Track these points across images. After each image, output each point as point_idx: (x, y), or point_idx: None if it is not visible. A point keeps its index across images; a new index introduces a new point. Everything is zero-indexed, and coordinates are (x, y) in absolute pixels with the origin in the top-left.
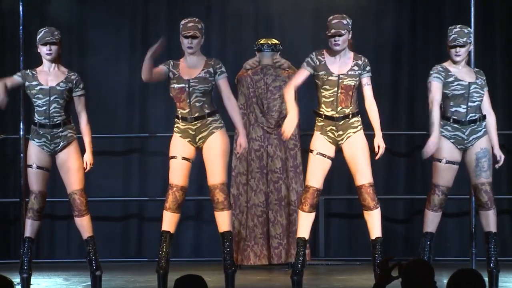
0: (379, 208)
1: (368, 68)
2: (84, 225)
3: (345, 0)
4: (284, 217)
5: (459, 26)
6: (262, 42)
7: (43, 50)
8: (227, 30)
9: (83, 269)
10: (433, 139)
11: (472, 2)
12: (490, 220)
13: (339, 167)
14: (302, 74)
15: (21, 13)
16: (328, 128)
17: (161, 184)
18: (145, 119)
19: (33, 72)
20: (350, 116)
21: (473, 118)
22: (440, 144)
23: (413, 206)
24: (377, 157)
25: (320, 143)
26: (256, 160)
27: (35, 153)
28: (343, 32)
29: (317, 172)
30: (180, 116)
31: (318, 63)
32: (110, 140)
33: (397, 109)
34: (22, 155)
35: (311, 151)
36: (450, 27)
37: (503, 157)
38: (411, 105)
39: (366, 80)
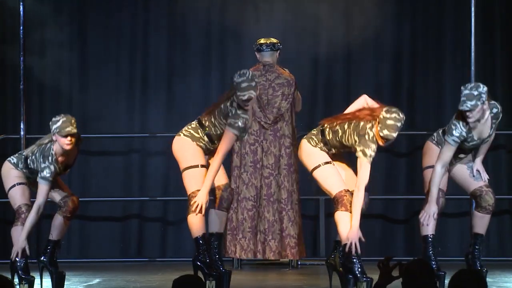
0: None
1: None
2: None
3: (346, 1)
4: (271, 213)
5: (470, 87)
6: (261, 42)
7: (62, 140)
8: (227, 32)
9: (83, 269)
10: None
11: (472, 2)
12: (485, 223)
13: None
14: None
15: (21, 13)
16: None
17: (161, 184)
18: (145, 119)
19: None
20: None
21: None
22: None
23: (413, 206)
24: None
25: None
26: (250, 154)
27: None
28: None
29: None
30: None
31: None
32: (110, 140)
33: None
34: None
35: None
36: (462, 87)
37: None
38: (411, 105)
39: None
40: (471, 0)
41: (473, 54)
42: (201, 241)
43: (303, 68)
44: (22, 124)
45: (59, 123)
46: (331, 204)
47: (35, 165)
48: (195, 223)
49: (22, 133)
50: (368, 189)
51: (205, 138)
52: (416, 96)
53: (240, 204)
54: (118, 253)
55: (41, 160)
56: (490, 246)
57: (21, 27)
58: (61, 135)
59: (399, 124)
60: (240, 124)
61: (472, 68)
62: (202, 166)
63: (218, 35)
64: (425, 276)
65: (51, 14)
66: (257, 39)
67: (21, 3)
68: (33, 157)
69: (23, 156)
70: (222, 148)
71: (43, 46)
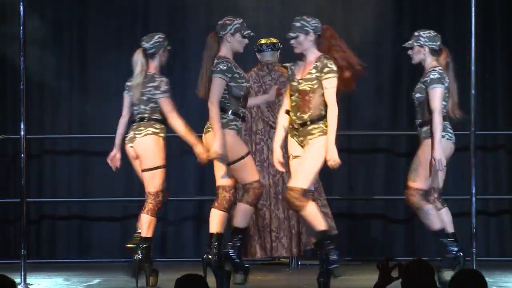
0: (304, 208)
1: (327, 69)
2: None
3: (346, 1)
4: (281, 211)
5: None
6: (262, 42)
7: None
8: None
9: (84, 269)
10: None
11: (472, 2)
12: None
13: (339, 167)
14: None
15: (21, 12)
16: (294, 132)
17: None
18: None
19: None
20: (309, 123)
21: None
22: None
23: None
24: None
25: (293, 147)
26: (256, 154)
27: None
28: (293, 35)
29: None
30: (241, 115)
31: (291, 69)
32: (110, 140)
33: (397, 109)
34: (22, 155)
35: (288, 156)
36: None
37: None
38: (411, 105)
39: (325, 83)
40: (471, 0)
41: (473, 54)
42: (215, 239)
43: None
44: (22, 124)
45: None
46: (331, 204)
47: None
48: (221, 220)
49: (22, 133)
50: (367, 189)
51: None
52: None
53: None
54: (118, 253)
55: None
56: (490, 246)
57: (21, 27)
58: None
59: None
60: (221, 67)
61: (472, 68)
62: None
63: None
64: (425, 276)
65: (51, 14)
66: (257, 39)
67: (21, 3)
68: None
69: None
70: (213, 95)
71: (43, 46)
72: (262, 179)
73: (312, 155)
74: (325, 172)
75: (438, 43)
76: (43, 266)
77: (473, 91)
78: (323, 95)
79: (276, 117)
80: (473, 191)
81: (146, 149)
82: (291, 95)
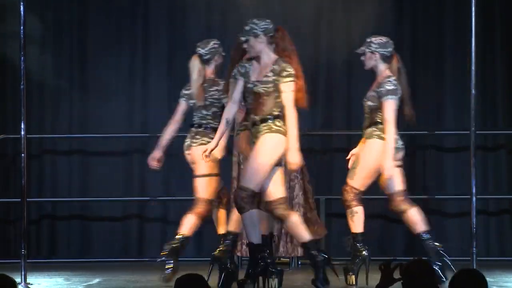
0: (246, 212)
1: (285, 73)
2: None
3: (346, 1)
4: None
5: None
6: None
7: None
8: (228, 32)
9: (84, 269)
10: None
11: (473, 2)
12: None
13: (339, 167)
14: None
15: (21, 12)
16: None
17: (161, 184)
18: (145, 119)
19: None
20: (259, 123)
21: None
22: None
23: None
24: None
25: (250, 148)
26: None
27: None
28: (243, 39)
29: None
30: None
31: (245, 66)
32: (111, 140)
33: (397, 109)
34: (22, 155)
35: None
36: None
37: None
38: (411, 105)
39: (283, 87)
40: (471, 0)
41: (473, 54)
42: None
43: (303, 68)
44: (22, 124)
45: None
46: (331, 204)
47: None
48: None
49: (22, 133)
50: (367, 189)
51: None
52: (416, 96)
53: None
54: (118, 253)
55: None
56: (490, 246)
57: (21, 27)
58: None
59: None
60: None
61: (472, 68)
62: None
63: (219, 35)
64: (425, 277)
65: (51, 14)
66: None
67: (21, 3)
68: None
69: None
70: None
71: (43, 46)
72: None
73: (256, 154)
74: (325, 172)
75: (389, 49)
76: (43, 266)
77: (473, 91)
78: (277, 97)
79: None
80: (473, 190)
81: (200, 158)
82: (245, 96)
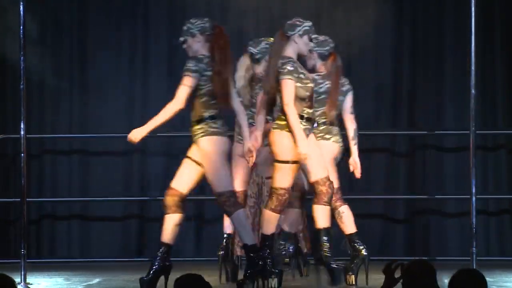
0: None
1: (185, 67)
2: None
3: (346, 1)
4: None
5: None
6: None
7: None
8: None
9: (84, 269)
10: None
11: (473, 2)
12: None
13: (339, 167)
14: None
15: (21, 12)
16: None
17: (161, 184)
18: (145, 119)
19: None
20: (192, 124)
21: None
22: None
23: (413, 206)
24: None
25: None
26: None
27: None
28: (181, 39)
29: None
30: (305, 116)
31: None
32: (111, 140)
33: (397, 109)
34: (22, 155)
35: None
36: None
37: None
38: (411, 105)
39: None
40: (471, 0)
41: (473, 54)
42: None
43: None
44: (22, 124)
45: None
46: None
47: None
48: (327, 214)
49: (22, 133)
50: (368, 188)
51: None
52: (416, 96)
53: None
54: (118, 253)
55: None
56: (490, 246)
57: (21, 27)
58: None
59: None
60: (288, 67)
61: (472, 67)
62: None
63: None
64: (425, 276)
65: (51, 14)
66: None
67: (21, 3)
68: None
69: None
70: (287, 98)
71: (43, 46)
72: (256, 176)
73: (207, 161)
74: None
75: (327, 48)
76: (43, 266)
77: (473, 91)
78: (201, 97)
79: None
80: (473, 190)
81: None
82: None
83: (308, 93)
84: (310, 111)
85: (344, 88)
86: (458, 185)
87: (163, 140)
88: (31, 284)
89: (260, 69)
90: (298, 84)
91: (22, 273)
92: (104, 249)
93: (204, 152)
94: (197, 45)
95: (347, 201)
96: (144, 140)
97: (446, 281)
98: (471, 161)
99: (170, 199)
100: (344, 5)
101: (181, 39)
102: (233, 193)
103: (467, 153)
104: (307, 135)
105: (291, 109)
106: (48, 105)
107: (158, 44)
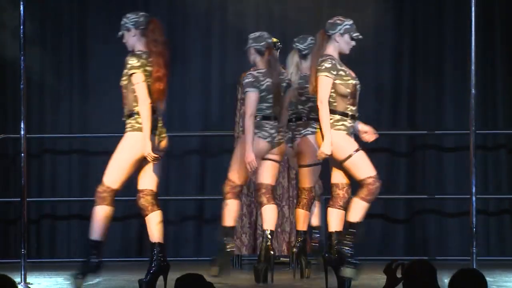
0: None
1: (128, 65)
2: None
3: (346, 1)
4: None
5: None
6: None
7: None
8: (228, 31)
9: None
10: None
11: (473, 2)
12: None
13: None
14: None
15: (21, 12)
16: None
17: (161, 184)
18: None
19: None
20: (125, 118)
21: None
22: None
23: (413, 206)
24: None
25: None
26: None
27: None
28: (120, 34)
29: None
30: (349, 114)
31: None
32: (111, 140)
33: (397, 109)
34: (22, 155)
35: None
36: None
37: None
38: (411, 105)
39: (132, 80)
40: (471, 0)
41: (473, 54)
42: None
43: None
44: (22, 124)
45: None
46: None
47: None
48: (341, 218)
49: (22, 133)
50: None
51: None
52: (416, 96)
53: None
54: (118, 253)
55: None
56: (490, 246)
57: (21, 27)
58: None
59: None
60: (326, 65)
61: (472, 67)
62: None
63: (218, 36)
64: (426, 276)
65: (51, 14)
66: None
67: (21, 3)
68: None
69: None
70: (321, 95)
71: (43, 46)
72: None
73: (116, 151)
74: (325, 172)
75: (263, 43)
76: (43, 266)
77: (473, 91)
78: (134, 91)
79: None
80: (473, 190)
81: (307, 147)
82: None
83: (349, 90)
84: (354, 108)
85: (284, 84)
86: (458, 185)
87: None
88: (31, 284)
89: (306, 66)
90: (338, 81)
91: (22, 273)
92: (104, 249)
93: (121, 145)
94: (133, 40)
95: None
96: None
97: (446, 281)
98: (471, 161)
99: (143, 201)
100: (344, 5)
101: (119, 33)
102: (113, 190)
103: (467, 153)
104: (351, 134)
105: (324, 107)
106: (48, 105)
107: None
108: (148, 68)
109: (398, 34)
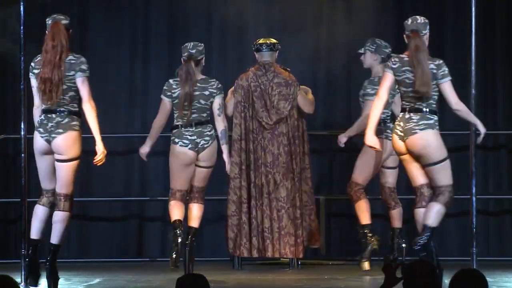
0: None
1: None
2: None
3: (346, 1)
4: (271, 212)
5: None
6: (260, 42)
7: None
8: (228, 33)
9: (84, 269)
10: None
11: (473, 2)
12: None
13: (339, 167)
14: None
15: (21, 12)
16: None
17: (161, 184)
18: (145, 119)
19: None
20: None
21: None
22: None
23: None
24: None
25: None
26: (249, 153)
27: None
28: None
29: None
30: None
31: None
32: (111, 140)
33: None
34: (22, 155)
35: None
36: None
37: None
38: None
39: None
40: (471, 0)
41: (473, 54)
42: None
43: (303, 67)
44: (22, 124)
45: None
46: (331, 204)
47: None
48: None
49: (22, 133)
50: (367, 188)
51: None
52: None
53: (243, 203)
54: (118, 253)
55: None
56: (490, 246)
57: (21, 27)
58: None
59: None
60: None
61: (472, 67)
62: None
63: (218, 36)
64: (426, 276)
65: (51, 13)
66: (256, 38)
67: (21, 3)
68: None
69: None
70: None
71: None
72: (254, 178)
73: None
74: (325, 172)
75: (185, 54)
76: (43, 266)
77: (473, 91)
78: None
79: (271, 117)
80: (473, 190)
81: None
82: None
83: None
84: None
85: (206, 92)
86: (458, 185)
87: (163, 139)
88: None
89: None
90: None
91: (22, 273)
92: (104, 249)
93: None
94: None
95: (346, 201)
96: (144, 140)
97: (447, 281)
98: (471, 161)
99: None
100: (344, 5)
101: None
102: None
103: (467, 153)
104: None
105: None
106: None
107: (158, 44)
108: (34, 71)
109: (398, 34)
